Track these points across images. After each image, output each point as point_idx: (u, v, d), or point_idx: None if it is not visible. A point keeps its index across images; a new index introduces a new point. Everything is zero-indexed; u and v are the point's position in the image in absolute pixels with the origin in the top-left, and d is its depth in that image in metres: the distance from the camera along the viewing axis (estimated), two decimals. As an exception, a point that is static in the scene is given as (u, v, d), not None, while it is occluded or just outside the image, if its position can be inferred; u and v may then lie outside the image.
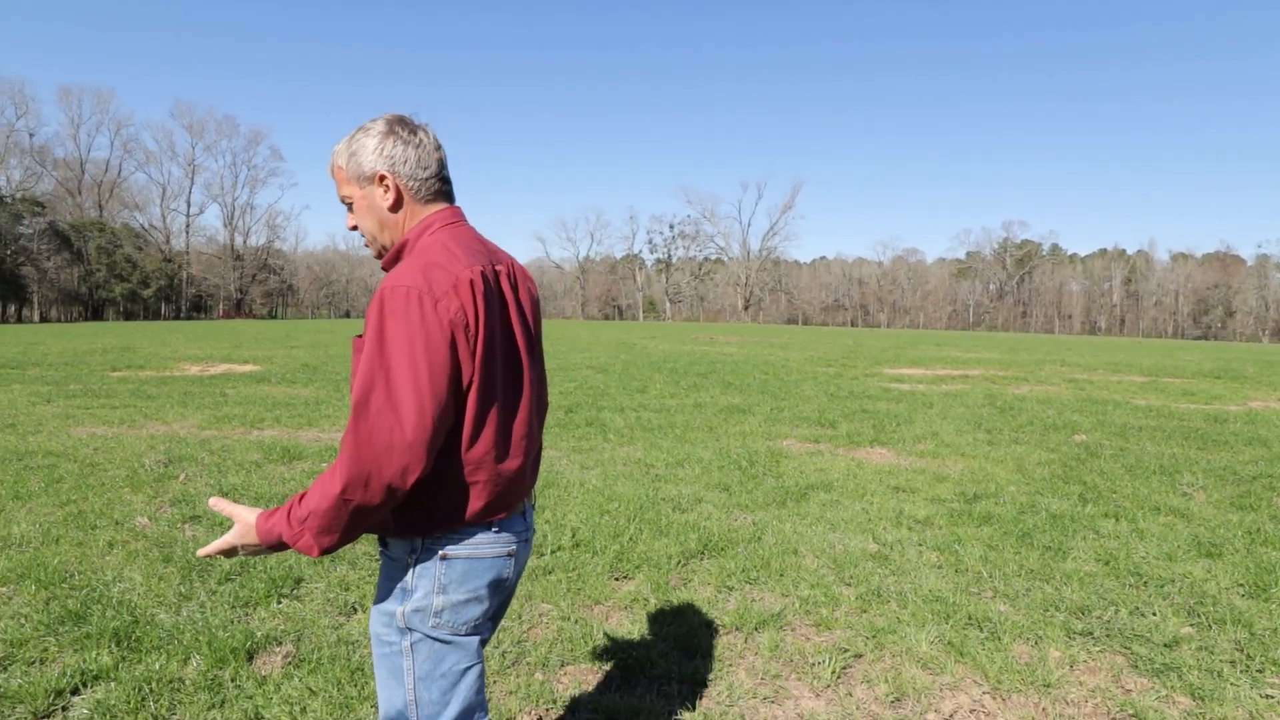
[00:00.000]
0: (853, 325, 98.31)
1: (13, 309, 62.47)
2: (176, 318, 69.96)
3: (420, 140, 1.53)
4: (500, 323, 1.48)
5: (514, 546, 1.56)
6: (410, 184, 1.52)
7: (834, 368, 16.70)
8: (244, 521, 1.45)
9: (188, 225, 76.85)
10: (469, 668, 1.54)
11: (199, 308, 76.91)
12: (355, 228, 1.58)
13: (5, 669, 2.91)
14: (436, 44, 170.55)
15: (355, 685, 2.81)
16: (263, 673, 2.92)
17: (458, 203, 1.64)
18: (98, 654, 3.01)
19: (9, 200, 61.41)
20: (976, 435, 8.19)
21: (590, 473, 6.13)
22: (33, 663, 2.97)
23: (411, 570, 1.50)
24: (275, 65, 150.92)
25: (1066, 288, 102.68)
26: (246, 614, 3.43)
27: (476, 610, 1.53)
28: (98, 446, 7.06)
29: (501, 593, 1.59)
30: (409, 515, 1.46)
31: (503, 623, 3.36)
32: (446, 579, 1.48)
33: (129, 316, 66.96)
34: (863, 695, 2.85)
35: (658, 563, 4.06)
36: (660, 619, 3.43)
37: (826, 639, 3.27)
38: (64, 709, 2.69)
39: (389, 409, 1.31)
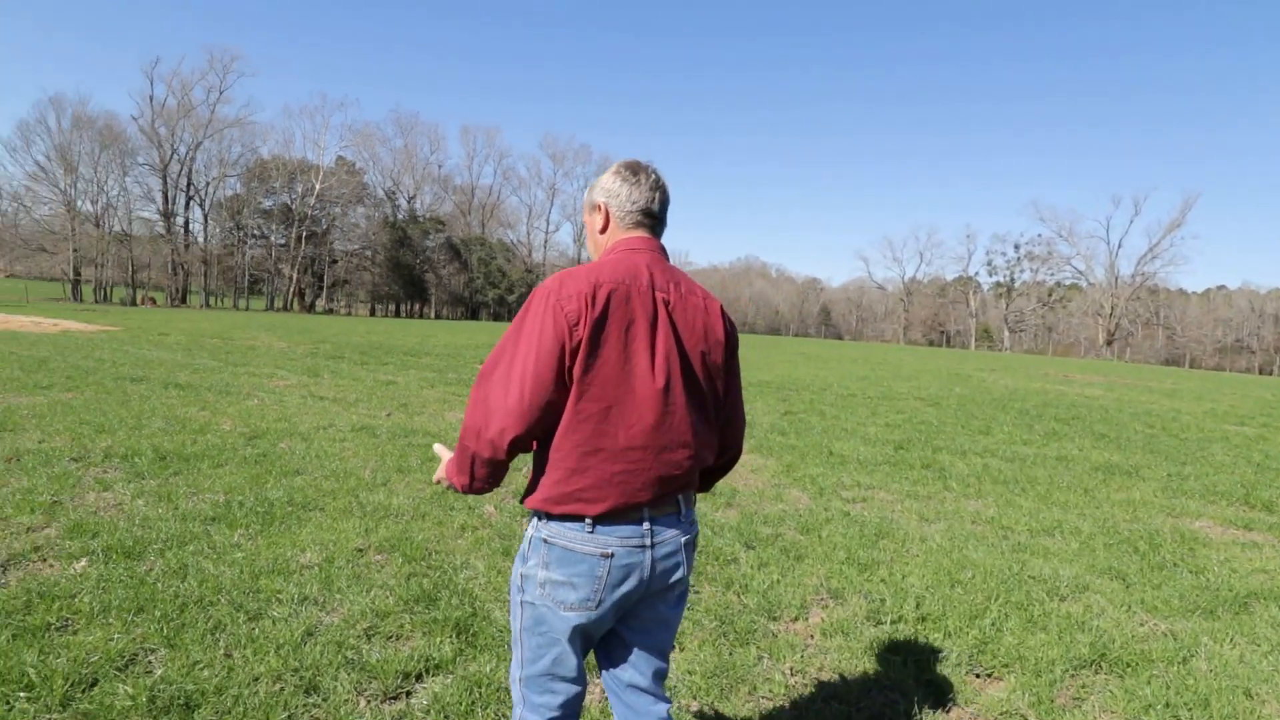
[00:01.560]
0: (1261, 373, 78.68)
1: (416, 306, 77.52)
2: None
3: (639, 180, 1.82)
4: (626, 337, 1.64)
5: (612, 550, 1.68)
6: (617, 213, 1.82)
7: (1251, 426, 13.09)
8: (441, 460, 1.83)
9: (545, 241, 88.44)
10: (560, 640, 1.73)
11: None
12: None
13: (369, 638, 3.13)
14: (758, 65, 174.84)
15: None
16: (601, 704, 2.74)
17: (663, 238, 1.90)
18: (441, 641, 3.10)
19: (420, 219, 76.36)
20: None
21: (932, 527, 5.27)
22: (390, 638, 3.16)
23: (529, 541, 1.76)
24: (617, 91, 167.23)
25: None
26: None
27: (571, 595, 1.69)
28: (463, 431, 7.98)
29: (609, 592, 1.69)
30: (531, 488, 1.71)
31: (838, 706, 2.82)
32: (549, 558, 1.71)
33: (496, 318, 78.98)
34: None
35: (1035, 666, 3.18)
36: (1047, 750, 2.60)
37: None
38: (408, 694, 2.77)
39: (503, 380, 1.61)
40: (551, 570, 1.69)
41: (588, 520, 1.66)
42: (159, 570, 3.67)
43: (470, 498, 5.30)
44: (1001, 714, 2.84)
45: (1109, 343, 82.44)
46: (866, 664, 3.15)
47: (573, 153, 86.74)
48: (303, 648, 2.99)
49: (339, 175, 68.87)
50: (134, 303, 56.48)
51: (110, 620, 3.11)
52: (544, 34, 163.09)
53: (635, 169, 1.83)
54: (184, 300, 60.97)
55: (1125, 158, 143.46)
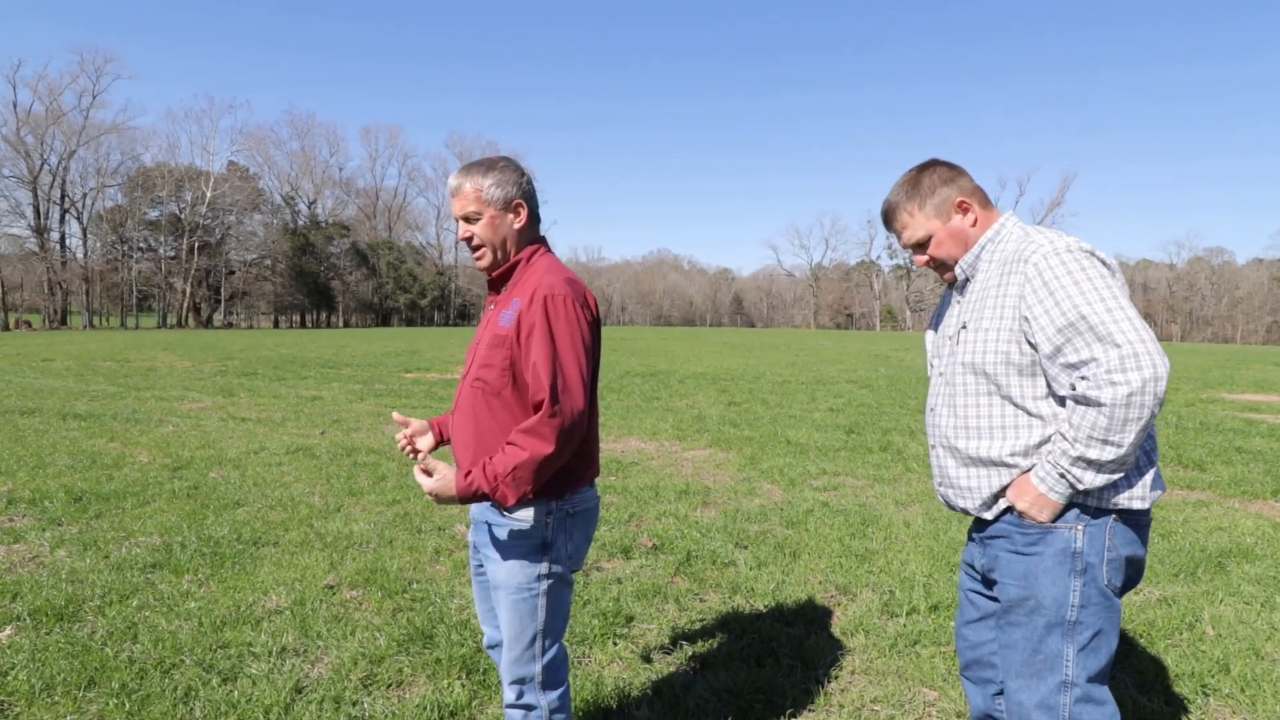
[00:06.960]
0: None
1: (323, 315, 74.26)
2: (447, 324, 78.74)
3: (534, 183, 1.98)
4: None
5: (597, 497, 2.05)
6: (534, 213, 1.97)
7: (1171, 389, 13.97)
8: (444, 476, 1.78)
9: (456, 242, 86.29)
10: (570, 596, 1.99)
11: (464, 315, 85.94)
12: (470, 237, 1.93)
13: (369, 689, 2.81)
14: (659, 56, 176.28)
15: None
16: (621, 739, 2.52)
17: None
18: (450, 684, 2.82)
19: (324, 225, 73.11)
20: None
21: (908, 510, 5.29)
22: (391, 685, 2.85)
23: (548, 528, 1.89)
24: (521, 86, 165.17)
25: None
26: (585, 654, 3.12)
27: (586, 549, 2.01)
28: (409, 445, 7.53)
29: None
30: (551, 482, 1.83)
31: (885, 711, 2.72)
32: (573, 528, 1.92)
33: (409, 323, 76.57)
34: None
35: (1057, 646, 3.16)
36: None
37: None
38: (426, 750, 2.49)
39: (567, 389, 1.75)
40: (576, 539, 1.93)
41: (594, 482, 2.00)
42: (103, 632, 3.22)
43: (437, 516, 4.95)
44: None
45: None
46: (897, 661, 3.07)
47: (480, 150, 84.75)
48: (294, 708, 2.66)
49: (231, 181, 65.04)
50: (6, 327, 51.78)
51: (57, 699, 2.68)
52: (442, 30, 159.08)
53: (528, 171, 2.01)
54: (64, 321, 56.31)
55: (1012, 139, 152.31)
